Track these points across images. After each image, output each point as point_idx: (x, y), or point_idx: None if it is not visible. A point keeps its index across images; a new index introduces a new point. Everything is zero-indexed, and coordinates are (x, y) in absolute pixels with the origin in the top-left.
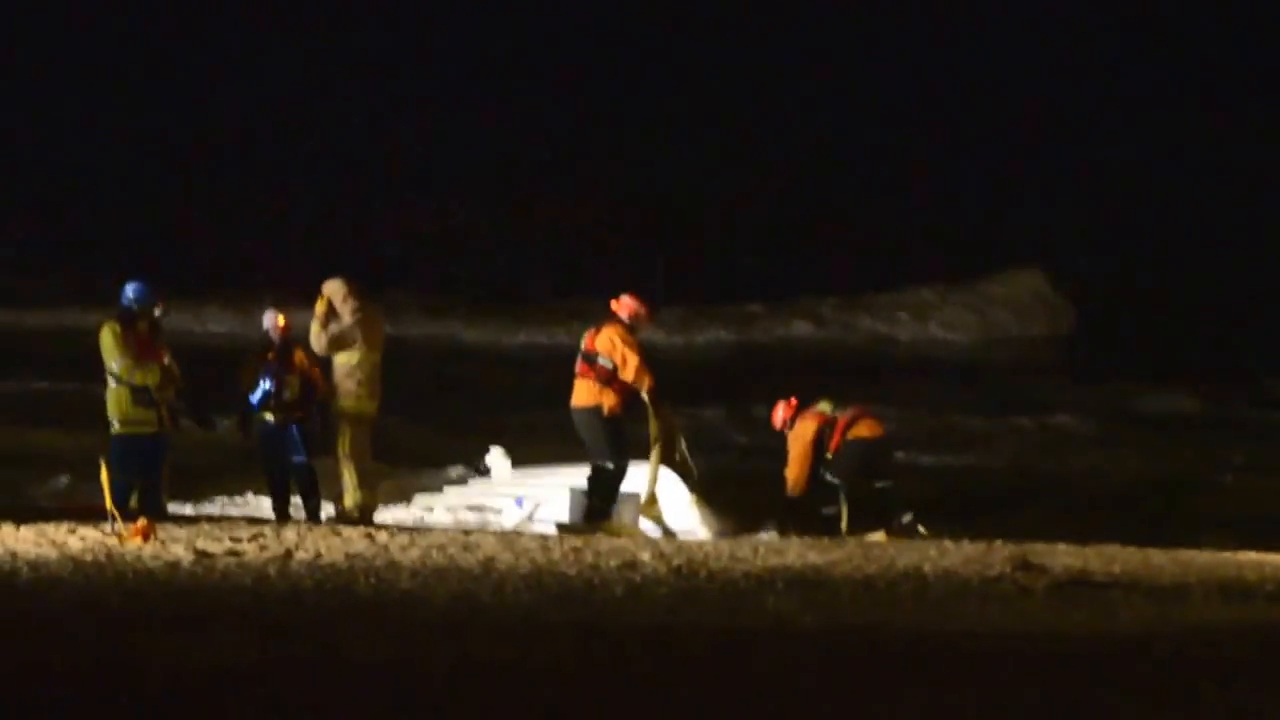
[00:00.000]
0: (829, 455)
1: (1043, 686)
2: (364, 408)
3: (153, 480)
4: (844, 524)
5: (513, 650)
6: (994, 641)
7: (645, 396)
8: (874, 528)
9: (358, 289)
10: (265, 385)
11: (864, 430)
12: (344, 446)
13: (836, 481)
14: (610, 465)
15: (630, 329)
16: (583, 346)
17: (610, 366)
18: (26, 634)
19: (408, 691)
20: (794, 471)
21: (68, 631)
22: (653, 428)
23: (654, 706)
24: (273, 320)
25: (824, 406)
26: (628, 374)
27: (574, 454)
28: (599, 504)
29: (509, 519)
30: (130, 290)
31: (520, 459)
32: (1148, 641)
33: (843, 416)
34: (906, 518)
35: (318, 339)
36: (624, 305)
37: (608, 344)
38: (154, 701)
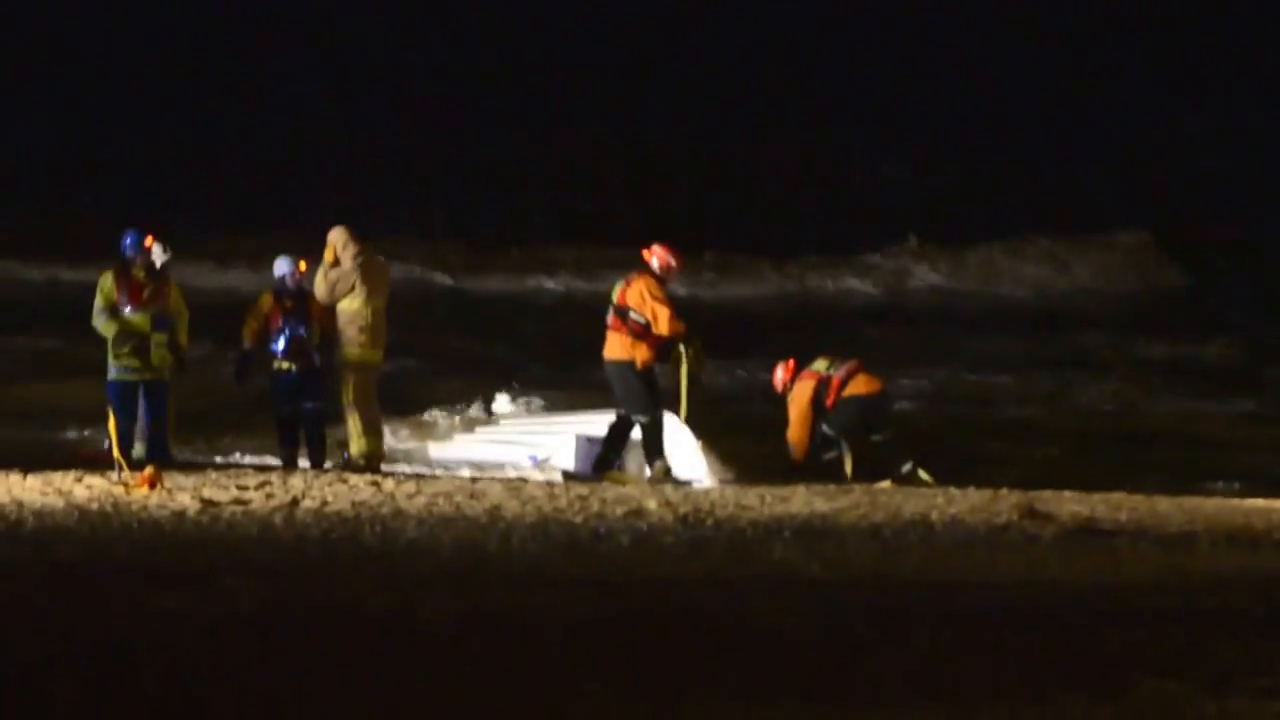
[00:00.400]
0: (828, 412)
1: (1051, 635)
2: (368, 356)
3: (157, 428)
4: (848, 469)
5: (519, 601)
6: (1002, 591)
7: (680, 345)
8: (877, 480)
9: (360, 236)
10: (288, 332)
11: (860, 387)
12: (349, 395)
13: (834, 435)
14: (645, 419)
15: (661, 280)
16: (614, 299)
17: (643, 322)
18: (32, 584)
19: (412, 643)
20: (795, 434)
21: (73, 581)
22: (682, 373)
23: (661, 657)
24: (289, 267)
25: (819, 365)
26: (660, 328)
27: (582, 402)
28: (609, 455)
29: (524, 472)
30: (125, 239)
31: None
32: (1156, 590)
33: (837, 375)
34: (906, 467)
35: (319, 286)
36: (655, 254)
37: (638, 298)
38: (157, 651)
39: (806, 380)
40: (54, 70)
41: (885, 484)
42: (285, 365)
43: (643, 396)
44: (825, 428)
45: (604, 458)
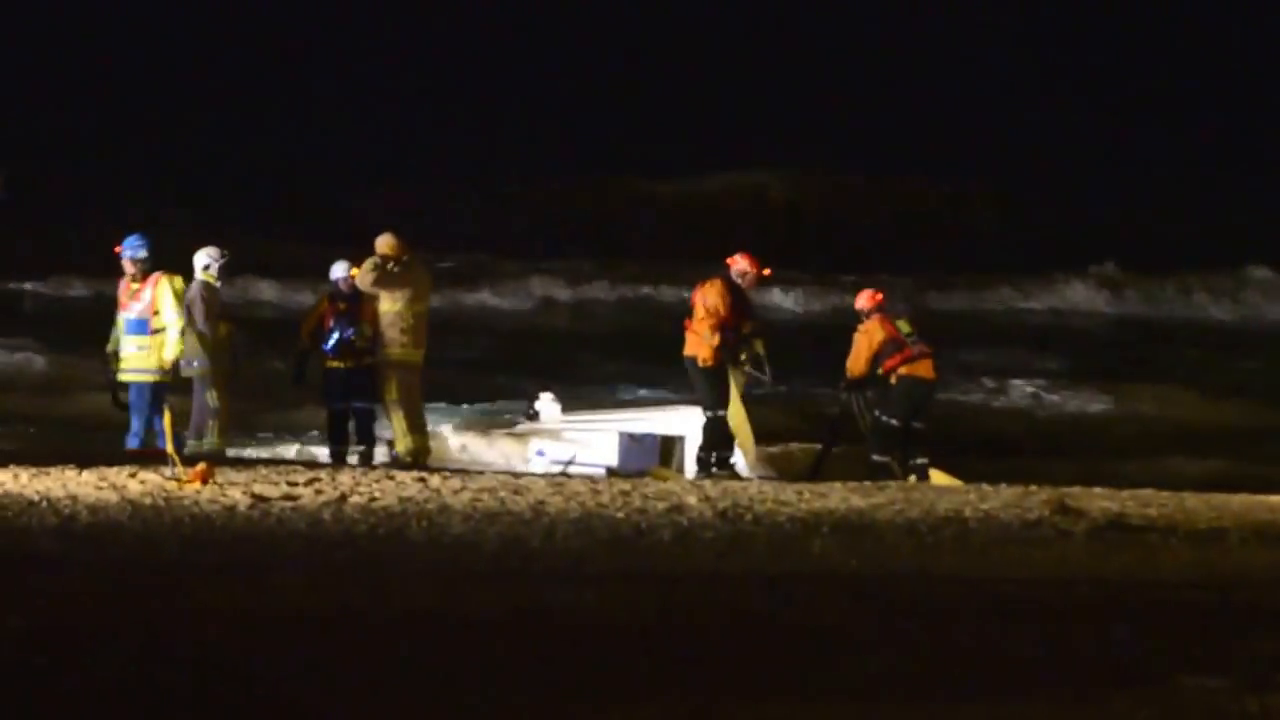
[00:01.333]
0: (880, 373)
1: (1086, 631)
2: (409, 356)
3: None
4: (897, 470)
5: (562, 596)
6: (1036, 586)
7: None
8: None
9: (406, 242)
10: (339, 333)
11: (921, 370)
12: (392, 393)
13: (890, 421)
14: (710, 414)
15: (733, 285)
16: (691, 300)
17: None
18: (84, 578)
19: (456, 640)
20: (856, 367)
21: (124, 576)
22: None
23: (702, 652)
24: (343, 272)
25: (903, 325)
26: (696, 325)
27: (624, 401)
28: (702, 454)
29: (535, 468)
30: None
31: (571, 405)
32: (1189, 586)
33: (911, 348)
34: (922, 460)
35: (364, 273)
36: (735, 262)
37: (702, 298)
38: (205, 646)
39: (883, 326)
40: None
41: (944, 478)
42: (335, 363)
43: (708, 391)
44: (882, 416)
45: (701, 459)
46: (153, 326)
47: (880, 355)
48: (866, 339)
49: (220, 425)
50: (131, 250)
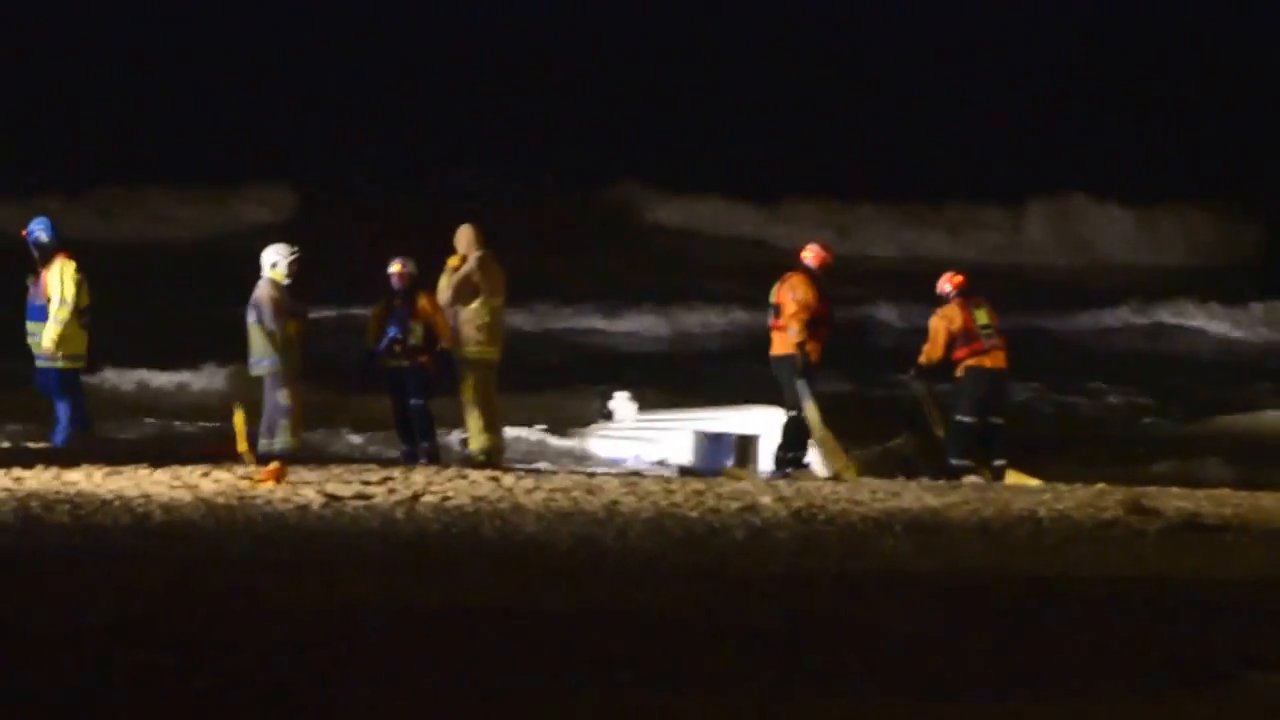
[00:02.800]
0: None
1: (1155, 628)
2: (486, 354)
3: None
4: (977, 472)
5: (634, 595)
6: (1110, 585)
7: (793, 338)
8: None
9: (484, 236)
10: (391, 332)
11: (988, 360)
12: (468, 392)
13: (964, 419)
14: (792, 412)
15: (815, 277)
16: (772, 299)
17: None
18: (158, 576)
19: (528, 637)
20: (933, 352)
21: (198, 574)
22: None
23: (775, 652)
24: (392, 268)
25: (981, 314)
26: (782, 320)
27: (698, 401)
28: (780, 453)
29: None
30: None
31: (647, 404)
32: (1263, 585)
33: (983, 341)
34: (1000, 462)
35: (441, 291)
36: (810, 251)
37: (785, 294)
38: (277, 644)
39: (960, 313)
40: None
41: (1030, 480)
42: (391, 363)
43: (792, 391)
44: (956, 415)
45: (779, 459)
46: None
47: (953, 344)
48: (945, 323)
49: (293, 424)
50: (33, 233)
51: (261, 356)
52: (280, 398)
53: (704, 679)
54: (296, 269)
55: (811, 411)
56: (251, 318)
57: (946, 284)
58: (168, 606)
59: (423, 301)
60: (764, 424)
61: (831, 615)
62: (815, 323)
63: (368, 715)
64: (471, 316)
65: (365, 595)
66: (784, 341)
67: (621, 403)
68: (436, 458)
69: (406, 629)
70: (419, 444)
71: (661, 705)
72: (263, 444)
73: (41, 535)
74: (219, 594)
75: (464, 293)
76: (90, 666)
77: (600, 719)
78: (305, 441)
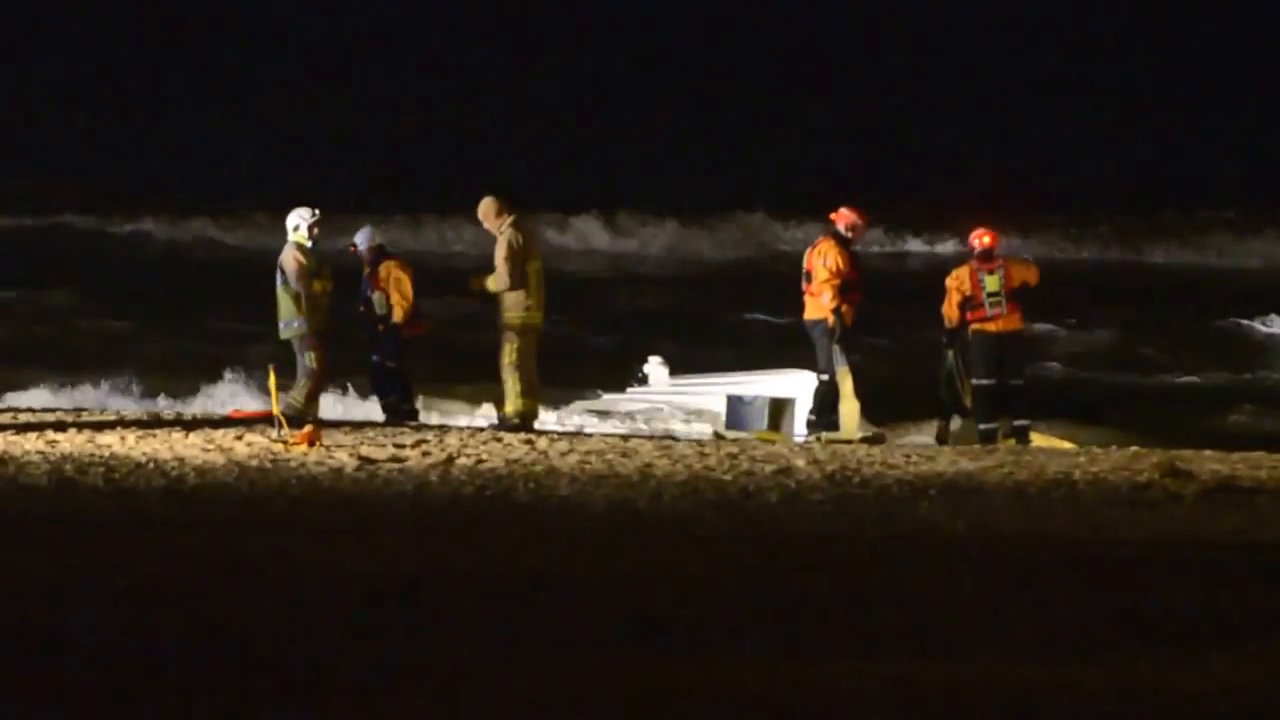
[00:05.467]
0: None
1: (1191, 591)
2: (531, 319)
3: None
4: (1002, 437)
5: (670, 560)
6: (1145, 548)
7: (827, 304)
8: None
9: (508, 202)
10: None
11: (992, 325)
12: (510, 356)
13: (980, 383)
14: (825, 376)
15: (846, 241)
16: (804, 265)
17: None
18: (191, 539)
19: (563, 599)
20: (948, 313)
21: (231, 536)
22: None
23: (808, 614)
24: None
25: (991, 282)
26: (814, 287)
27: (731, 365)
28: (813, 416)
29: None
30: None
31: (679, 368)
32: None
33: (987, 309)
34: (1022, 422)
35: (499, 283)
36: (841, 217)
37: (818, 260)
38: (310, 606)
39: (972, 278)
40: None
41: (1063, 444)
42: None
43: (824, 355)
44: (973, 380)
45: (809, 422)
46: None
47: (964, 307)
48: (956, 284)
49: (310, 388)
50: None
51: (290, 319)
52: (306, 360)
53: (739, 642)
54: (319, 231)
55: (845, 377)
56: (279, 281)
57: (975, 240)
58: (204, 572)
59: (383, 272)
60: (798, 388)
61: (866, 578)
62: (846, 288)
63: (408, 681)
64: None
65: (399, 558)
66: (817, 306)
67: (655, 367)
68: (390, 413)
69: (443, 594)
70: (385, 399)
71: (699, 668)
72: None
73: (75, 498)
74: (255, 559)
75: (513, 272)
76: (125, 633)
77: (637, 682)
78: (333, 405)
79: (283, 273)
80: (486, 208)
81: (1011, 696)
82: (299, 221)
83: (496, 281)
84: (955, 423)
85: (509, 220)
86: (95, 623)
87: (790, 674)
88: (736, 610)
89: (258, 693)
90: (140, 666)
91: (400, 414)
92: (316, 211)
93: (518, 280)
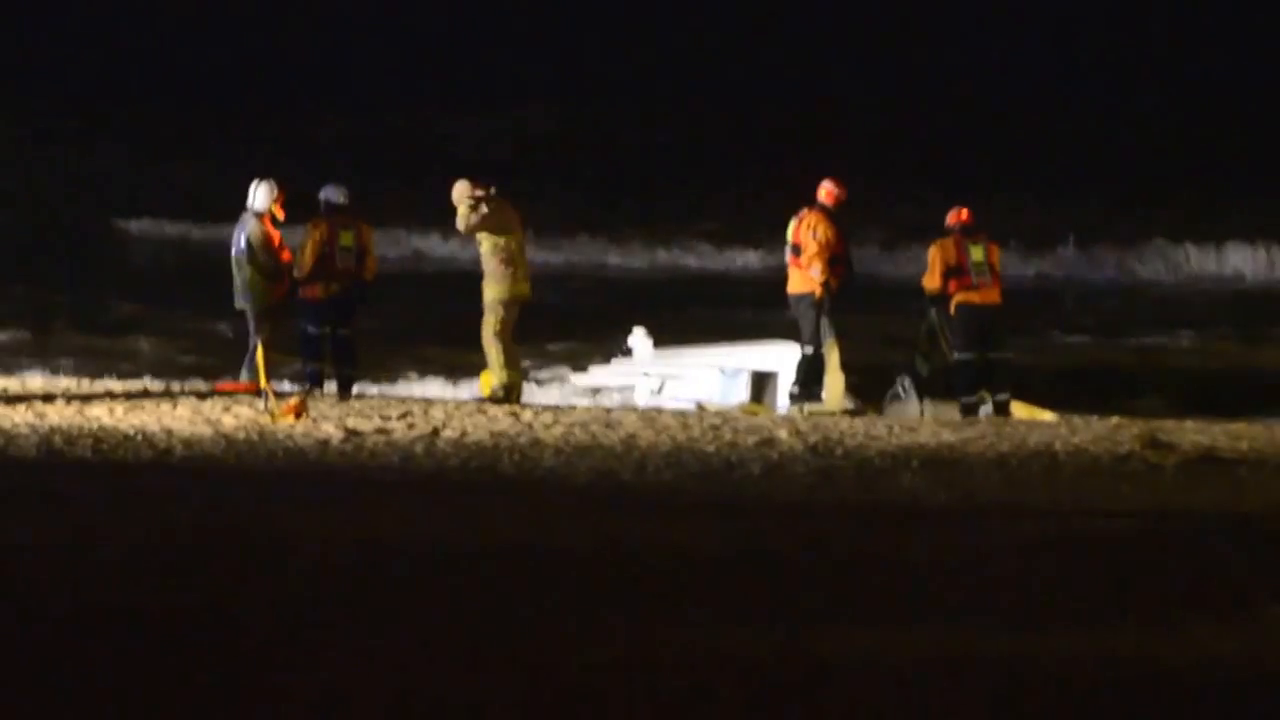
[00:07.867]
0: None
1: (1173, 561)
2: (518, 290)
3: None
4: (991, 409)
5: (653, 530)
6: (1127, 519)
7: (817, 277)
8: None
9: (482, 182)
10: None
11: (975, 296)
12: (493, 326)
13: (962, 356)
14: (807, 349)
15: (831, 214)
16: (789, 239)
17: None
18: (180, 511)
19: (547, 570)
20: (929, 281)
21: (219, 508)
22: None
23: (791, 584)
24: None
25: (976, 252)
26: (803, 259)
27: (716, 337)
28: (795, 389)
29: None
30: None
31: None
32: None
33: (970, 276)
34: (1003, 396)
35: (463, 224)
36: (823, 188)
37: (803, 232)
38: (296, 577)
39: (956, 246)
40: None
41: (1047, 415)
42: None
43: (809, 327)
44: (955, 353)
45: (792, 394)
46: None
47: (947, 275)
48: (940, 253)
49: (257, 362)
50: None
51: (244, 292)
52: (254, 331)
53: (723, 610)
54: (283, 203)
55: (833, 349)
56: (234, 253)
57: (951, 218)
58: (192, 542)
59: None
60: (781, 360)
61: (848, 547)
62: (834, 260)
63: (393, 652)
64: (495, 251)
65: (386, 531)
66: (803, 280)
67: (639, 339)
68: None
69: (428, 565)
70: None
71: (682, 637)
72: (242, 376)
73: (64, 469)
74: (242, 530)
75: (488, 227)
76: (113, 604)
77: (622, 651)
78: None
79: (248, 247)
80: (458, 189)
81: (995, 664)
82: (262, 194)
83: (461, 223)
84: (926, 406)
85: (481, 196)
86: (82, 595)
87: (775, 643)
88: (721, 580)
89: (245, 660)
90: (126, 636)
91: (310, 376)
92: (277, 185)
93: (477, 225)
